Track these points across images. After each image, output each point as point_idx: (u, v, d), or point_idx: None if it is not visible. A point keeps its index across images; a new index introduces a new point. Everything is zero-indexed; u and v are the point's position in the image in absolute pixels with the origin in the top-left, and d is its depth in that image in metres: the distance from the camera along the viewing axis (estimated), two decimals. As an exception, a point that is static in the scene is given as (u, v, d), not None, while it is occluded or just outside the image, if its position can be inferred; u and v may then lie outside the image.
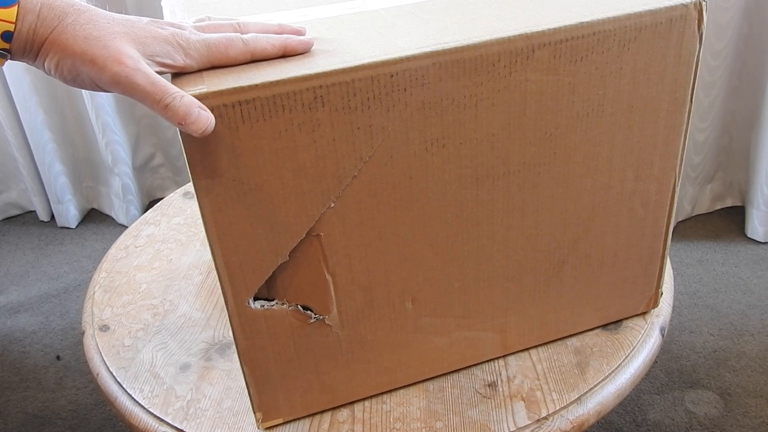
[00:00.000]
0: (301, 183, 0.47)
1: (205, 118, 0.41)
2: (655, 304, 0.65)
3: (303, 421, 0.57)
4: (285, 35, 0.46)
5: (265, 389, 0.55)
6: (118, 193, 1.70)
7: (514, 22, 0.48)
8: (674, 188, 0.58)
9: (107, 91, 0.42)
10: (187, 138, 0.43)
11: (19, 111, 1.62)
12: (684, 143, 0.56)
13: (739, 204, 1.60)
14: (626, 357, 0.61)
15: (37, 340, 1.39)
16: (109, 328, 0.69)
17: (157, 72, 0.42)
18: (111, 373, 0.64)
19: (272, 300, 0.51)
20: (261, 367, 0.54)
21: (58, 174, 1.70)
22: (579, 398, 0.57)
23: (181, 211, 0.89)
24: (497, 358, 0.62)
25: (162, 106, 0.40)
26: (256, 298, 0.51)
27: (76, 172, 1.75)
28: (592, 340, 0.63)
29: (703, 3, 0.50)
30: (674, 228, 1.56)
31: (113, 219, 1.77)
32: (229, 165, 0.44)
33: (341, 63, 0.44)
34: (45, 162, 1.68)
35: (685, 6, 0.50)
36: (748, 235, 1.52)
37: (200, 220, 0.85)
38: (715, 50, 1.37)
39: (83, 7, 0.42)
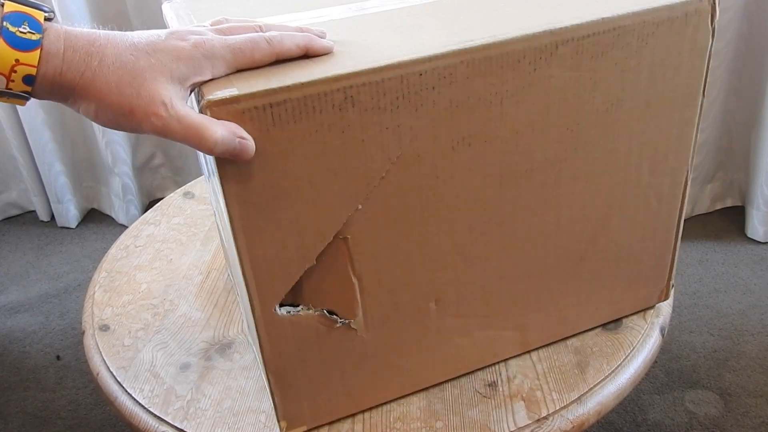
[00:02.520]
0: (329, 185, 0.46)
1: (247, 148, 0.41)
2: (667, 296, 0.66)
3: (303, 421, 0.57)
4: (307, 34, 0.45)
5: (290, 397, 0.54)
6: (118, 193, 1.70)
7: (536, 19, 0.48)
8: (686, 181, 0.59)
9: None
10: None
11: (19, 111, 1.62)
12: (696, 136, 0.56)
13: (739, 204, 1.60)
14: (626, 357, 0.61)
15: (37, 340, 1.39)
16: (109, 328, 0.69)
17: (191, 88, 0.42)
18: (111, 372, 0.64)
19: (297, 306, 0.50)
20: (286, 375, 0.52)
21: (58, 174, 1.70)
22: (579, 398, 0.57)
23: (181, 211, 0.89)
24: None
25: (206, 150, 0.40)
26: (281, 305, 0.50)
27: (76, 172, 1.75)
28: (592, 340, 0.63)
29: None
30: (674, 228, 1.56)
31: (113, 219, 1.77)
32: (259, 169, 0.43)
33: (371, 62, 0.43)
34: (45, 162, 1.68)
35: (699, 0, 0.50)
36: (748, 235, 1.52)
37: (200, 220, 0.85)
38: (715, 50, 1.36)
39: (104, 42, 0.40)
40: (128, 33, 0.42)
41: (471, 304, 0.56)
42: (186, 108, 0.40)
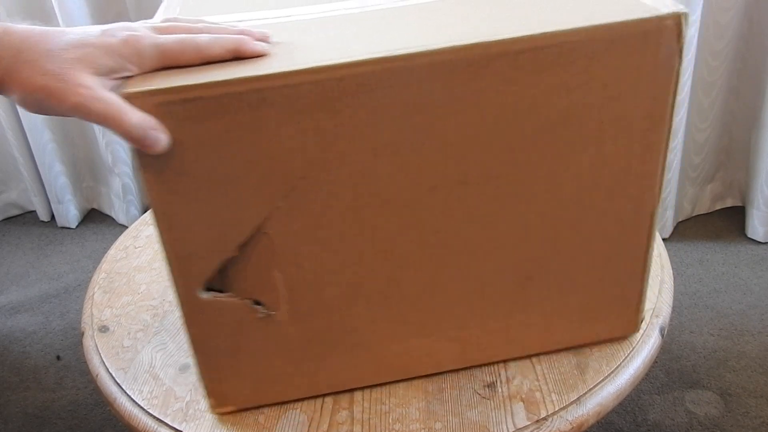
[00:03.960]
0: (247, 181, 0.47)
1: (158, 141, 0.44)
2: (635, 329, 0.62)
3: (302, 423, 0.57)
4: (239, 37, 0.47)
5: (216, 377, 0.56)
6: (118, 193, 1.71)
7: (476, 30, 0.46)
8: (653, 209, 0.54)
9: (69, 116, 0.44)
10: None
11: (19, 111, 1.62)
12: (663, 164, 0.53)
13: (739, 204, 1.60)
14: (626, 357, 0.61)
15: (37, 340, 1.39)
16: (108, 329, 0.69)
17: (116, 82, 0.44)
18: (110, 374, 0.64)
19: (225, 291, 0.52)
20: (211, 356, 0.55)
21: (58, 174, 1.70)
22: (578, 399, 0.57)
23: (180, 211, 0.88)
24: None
25: (120, 131, 0.43)
26: (210, 288, 0.52)
27: (76, 172, 1.75)
28: (591, 341, 0.63)
29: (683, 15, 0.46)
30: (674, 228, 1.56)
31: (113, 219, 1.78)
32: (176, 159, 0.46)
33: (287, 66, 0.44)
34: (45, 162, 1.68)
35: (660, 19, 0.46)
36: (748, 235, 1.52)
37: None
38: (715, 50, 1.37)
39: (36, 37, 0.43)
40: (66, 29, 0.45)
41: (403, 311, 0.55)
42: (108, 94, 0.43)
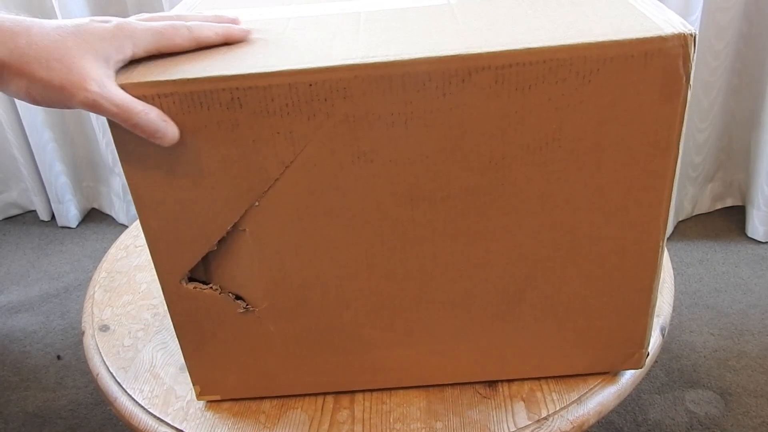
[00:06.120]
0: (224, 178, 0.48)
1: (171, 132, 0.44)
2: (639, 364, 0.58)
3: (303, 422, 0.57)
4: (226, 24, 0.48)
5: (201, 364, 0.57)
6: (119, 192, 1.71)
7: (461, 41, 0.44)
8: (658, 241, 0.51)
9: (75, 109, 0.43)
10: (115, 123, 0.44)
11: (19, 111, 1.62)
12: (669, 195, 0.49)
13: (740, 204, 1.60)
14: (626, 357, 0.61)
15: (37, 339, 1.39)
16: (109, 328, 0.69)
17: (115, 66, 0.44)
18: (111, 373, 0.64)
19: (208, 283, 0.53)
20: (194, 343, 0.56)
21: (58, 174, 1.70)
22: (579, 398, 0.57)
23: (181, 211, 0.88)
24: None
25: (131, 126, 0.43)
26: (193, 279, 0.53)
27: (77, 171, 1.75)
28: (592, 341, 0.63)
29: (690, 36, 0.42)
30: (674, 228, 1.56)
31: (113, 219, 1.78)
32: (153, 152, 0.46)
33: (260, 67, 0.44)
34: (45, 162, 1.68)
35: (663, 38, 0.42)
36: (749, 235, 1.52)
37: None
38: (715, 50, 1.37)
39: (30, 24, 0.42)
40: (52, 20, 0.44)
41: (388, 319, 0.55)
42: (116, 87, 0.43)
